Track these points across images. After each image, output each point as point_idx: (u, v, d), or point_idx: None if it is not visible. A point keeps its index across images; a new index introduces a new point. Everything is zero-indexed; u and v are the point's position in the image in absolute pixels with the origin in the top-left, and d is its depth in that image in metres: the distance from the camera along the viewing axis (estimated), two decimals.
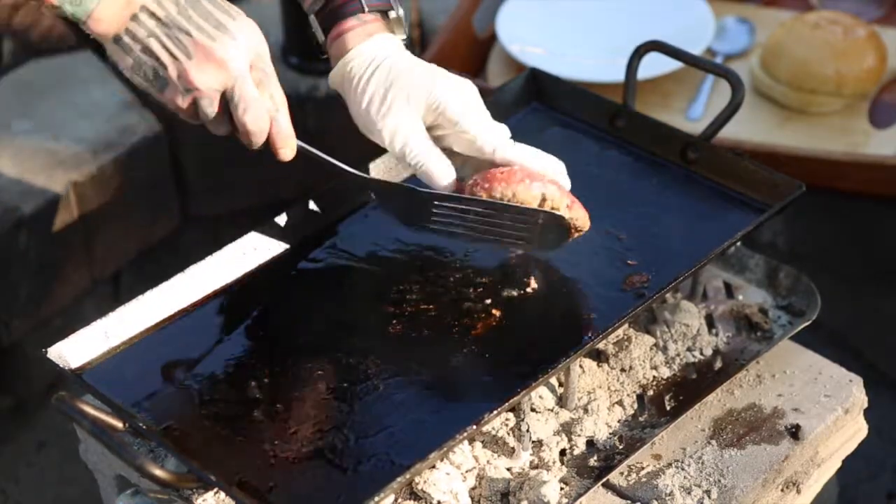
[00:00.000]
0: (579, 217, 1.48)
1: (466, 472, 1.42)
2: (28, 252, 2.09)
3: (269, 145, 1.44)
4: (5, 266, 2.08)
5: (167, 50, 1.34)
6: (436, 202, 1.49)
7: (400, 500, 1.39)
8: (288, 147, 1.45)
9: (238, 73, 1.36)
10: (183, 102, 1.37)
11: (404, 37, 1.54)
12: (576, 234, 1.50)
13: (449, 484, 1.38)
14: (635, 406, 1.50)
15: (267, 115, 1.41)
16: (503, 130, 1.50)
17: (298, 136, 2.38)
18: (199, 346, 1.47)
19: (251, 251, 1.56)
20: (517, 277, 1.53)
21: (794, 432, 1.48)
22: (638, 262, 1.53)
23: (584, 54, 2.14)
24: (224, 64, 1.35)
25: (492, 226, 1.48)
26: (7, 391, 2.25)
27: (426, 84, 1.48)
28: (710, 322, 1.61)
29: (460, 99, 1.49)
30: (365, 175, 1.56)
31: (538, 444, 1.45)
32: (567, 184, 1.50)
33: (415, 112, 1.48)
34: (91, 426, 1.28)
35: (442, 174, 1.50)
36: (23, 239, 2.08)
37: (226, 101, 1.38)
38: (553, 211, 1.45)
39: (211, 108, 1.38)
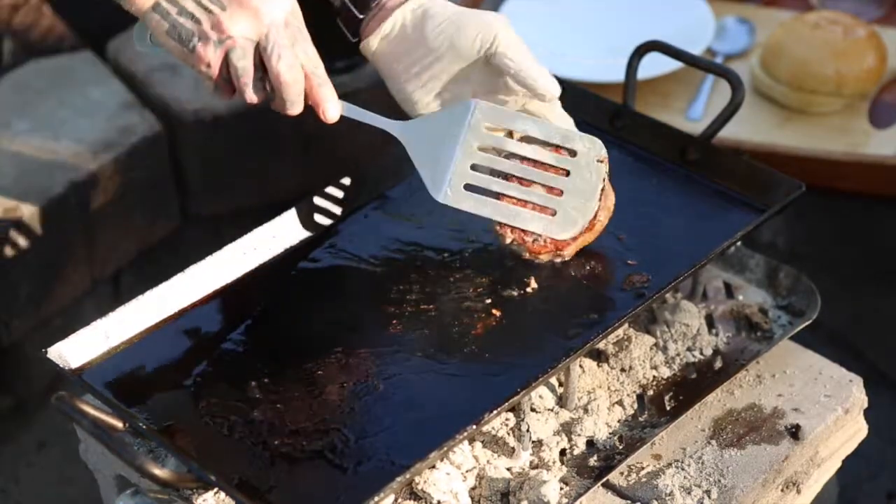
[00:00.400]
0: (609, 195, 1.51)
1: (466, 472, 1.42)
2: (28, 252, 2.09)
3: (311, 108, 1.43)
4: (5, 266, 2.08)
5: (201, 6, 1.36)
6: (487, 124, 1.47)
7: (400, 500, 1.39)
8: (331, 101, 1.43)
9: (271, 22, 1.37)
10: (216, 57, 1.37)
11: None
12: (602, 214, 1.52)
13: (449, 484, 1.38)
14: (635, 406, 1.50)
15: (301, 69, 1.40)
16: None
17: (297, 137, 2.40)
18: (199, 346, 1.47)
19: (251, 251, 1.56)
20: (517, 277, 1.53)
21: (794, 432, 1.49)
22: (638, 262, 1.53)
23: (584, 54, 2.14)
24: (257, 12, 1.36)
25: (530, 177, 1.48)
26: (7, 391, 2.25)
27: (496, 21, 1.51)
28: (710, 322, 1.61)
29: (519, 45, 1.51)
30: (410, 119, 1.51)
31: (538, 444, 1.45)
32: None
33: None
34: (91, 426, 1.28)
35: (548, 77, 1.50)
36: (23, 239, 2.08)
37: (260, 60, 1.39)
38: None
39: (244, 60, 1.38)
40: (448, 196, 1.49)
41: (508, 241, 1.53)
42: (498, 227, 1.53)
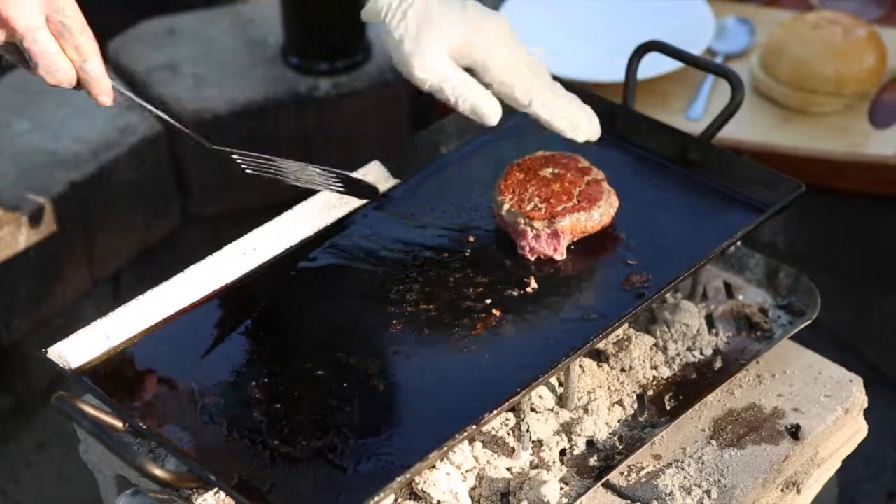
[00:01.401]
0: (612, 198, 1.57)
1: (466, 472, 1.42)
2: (28, 252, 2.09)
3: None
4: (5, 266, 2.08)
5: None
6: (234, 156, 1.51)
7: (400, 500, 1.39)
8: (103, 94, 1.44)
9: (23, 29, 1.37)
10: None
11: None
12: (606, 209, 1.56)
13: (449, 484, 1.38)
14: (635, 406, 1.50)
15: (64, 68, 1.40)
16: (538, 75, 1.55)
17: (297, 137, 2.39)
18: (198, 347, 1.47)
19: (251, 251, 1.56)
20: (517, 277, 1.53)
21: (794, 432, 1.49)
22: (638, 261, 1.53)
23: (584, 54, 2.14)
24: (7, 21, 1.37)
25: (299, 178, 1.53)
26: (7, 391, 2.25)
27: (460, 32, 1.51)
28: (710, 322, 1.61)
29: (497, 53, 1.52)
30: (172, 121, 1.52)
31: (538, 444, 1.45)
32: (590, 133, 1.58)
33: (448, 55, 1.52)
34: (91, 426, 1.28)
35: (490, 109, 1.52)
36: (23, 239, 2.08)
37: None
38: (348, 174, 1.51)
39: (11, 57, 1.41)
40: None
41: (507, 207, 1.55)
42: (498, 197, 1.56)
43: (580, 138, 1.57)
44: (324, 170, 1.54)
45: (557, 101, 1.55)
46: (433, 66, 1.51)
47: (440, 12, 1.51)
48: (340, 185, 1.55)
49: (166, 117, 1.51)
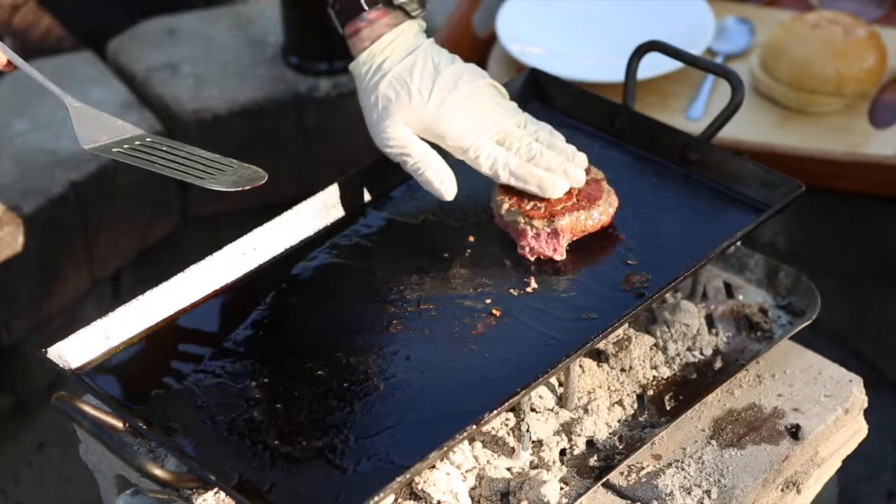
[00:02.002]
0: (612, 197, 1.57)
1: (466, 472, 1.42)
2: (28, 252, 2.09)
3: None
4: (5, 266, 2.08)
5: None
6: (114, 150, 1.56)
7: (400, 500, 1.39)
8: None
9: None
10: None
11: (418, 10, 1.57)
12: (605, 208, 1.56)
13: (449, 484, 1.38)
14: (635, 406, 1.50)
15: None
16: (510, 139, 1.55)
17: (296, 137, 2.39)
18: (198, 347, 1.47)
19: (251, 251, 1.56)
20: (517, 277, 1.53)
21: (794, 432, 1.49)
22: (638, 261, 1.53)
23: (584, 54, 2.14)
24: None
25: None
26: (7, 391, 2.25)
27: (426, 110, 1.54)
28: (710, 322, 1.61)
29: (459, 130, 1.54)
30: (65, 100, 1.59)
31: (538, 444, 1.45)
32: (563, 189, 1.55)
33: (413, 130, 1.56)
34: (91, 426, 1.28)
35: (444, 189, 1.56)
36: (23, 239, 2.08)
37: None
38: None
39: None
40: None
41: (506, 206, 1.56)
42: (498, 197, 1.57)
43: (554, 196, 1.56)
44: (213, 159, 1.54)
45: (524, 169, 1.55)
46: (395, 139, 1.56)
47: (406, 90, 1.54)
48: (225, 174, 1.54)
49: (46, 81, 1.56)
